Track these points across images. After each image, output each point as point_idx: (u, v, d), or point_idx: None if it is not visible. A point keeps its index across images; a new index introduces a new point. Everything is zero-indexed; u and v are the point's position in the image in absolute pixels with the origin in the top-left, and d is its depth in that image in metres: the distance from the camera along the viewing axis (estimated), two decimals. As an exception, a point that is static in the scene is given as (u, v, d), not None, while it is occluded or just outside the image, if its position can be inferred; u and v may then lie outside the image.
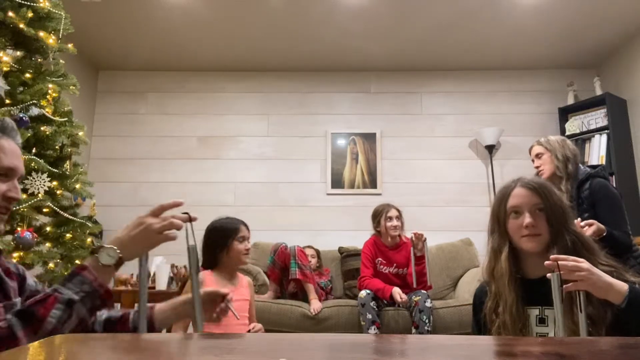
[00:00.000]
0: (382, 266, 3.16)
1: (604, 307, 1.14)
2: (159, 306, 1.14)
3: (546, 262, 1.12)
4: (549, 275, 1.10)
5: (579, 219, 2.08)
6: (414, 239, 2.96)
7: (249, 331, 2.10)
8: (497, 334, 1.29)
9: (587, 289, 1.10)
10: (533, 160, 2.41)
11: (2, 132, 0.99)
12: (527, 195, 1.29)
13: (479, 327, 1.41)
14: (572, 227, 1.30)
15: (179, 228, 1.00)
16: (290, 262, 3.16)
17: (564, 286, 1.10)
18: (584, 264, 1.10)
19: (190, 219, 1.01)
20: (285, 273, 3.21)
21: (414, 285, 2.97)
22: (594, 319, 1.14)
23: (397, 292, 2.93)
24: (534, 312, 1.28)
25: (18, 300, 1.05)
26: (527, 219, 1.26)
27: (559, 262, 1.10)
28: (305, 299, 3.17)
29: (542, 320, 1.27)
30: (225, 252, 2.05)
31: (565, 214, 1.30)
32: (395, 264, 3.15)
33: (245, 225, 2.14)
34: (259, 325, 2.15)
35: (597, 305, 1.14)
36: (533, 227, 1.26)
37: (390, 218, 3.14)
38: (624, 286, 1.11)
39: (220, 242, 2.06)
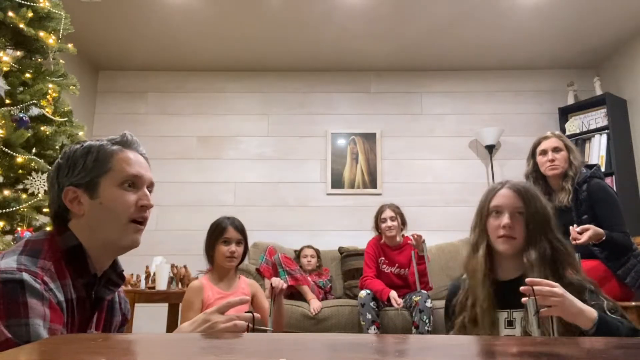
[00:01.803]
0: (384, 265, 3.17)
1: (572, 333, 1.16)
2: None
3: (522, 288, 1.12)
4: (524, 300, 1.11)
5: (575, 225, 2.06)
6: (413, 241, 2.97)
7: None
8: (462, 327, 1.30)
9: (559, 314, 1.12)
10: (545, 152, 2.30)
11: (123, 145, 1.03)
12: (511, 197, 1.31)
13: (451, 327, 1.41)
14: (553, 235, 1.30)
15: (242, 330, 1.01)
16: (279, 272, 3.16)
17: (539, 312, 1.11)
18: (557, 289, 1.11)
19: (254, 319, 1.02)
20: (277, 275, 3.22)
21: (417, 288, 2.98)
22: None
23: (393, 298, 2.93)
24: (503, 315, 1.29)
25: None
26: (505, 219, 1.29)
27: (535, 287, 1.10)
28: (303, 300, 3.17)
29: (510, 323, 1.28)
30: (214, 253, 2.04)
31: (546, 221, 1.31)
32: (397, 264, 3.16)
33: (236, 225, 2.06)
34: (278, 280, 1.92)
35: (568, 330, 1.16)
36: (509, 229, 1.28)
37: (385, 219, 3.14)
38: (593, 313, 1.13)
39: (209, 243, 2.05)
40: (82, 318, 0.94)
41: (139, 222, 1.00)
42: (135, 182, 1.00)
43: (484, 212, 1.35)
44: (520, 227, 1.29)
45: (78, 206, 0.97)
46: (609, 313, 1.17)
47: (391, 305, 2.96)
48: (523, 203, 1.30)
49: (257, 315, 1.03)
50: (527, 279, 1.13)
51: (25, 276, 0.81)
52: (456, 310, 1.34)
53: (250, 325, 1.02)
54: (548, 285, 1.11)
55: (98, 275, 0.98)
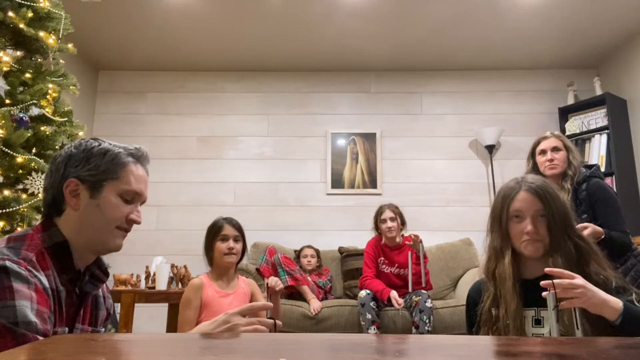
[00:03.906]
0: (384, 266, 3.17)
1: (603, 323, 1.13)
2: None
3: (542, 282, 1.11)
4: (544, 294, 1.10)
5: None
6: (411, 242, 2.98)
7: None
8: (494, 334, 1.29)
9: (582, 306, 1.10)
10: (544, 151, 2.31)
11: (137, 159, 1.07)
12: (531, 200, 1.29)
13: (472, 324, 1.41)
14: (574, 232, 1.29)
15: (262, 332, 1.02)
16: (279, 272, 3.16)
17: (560, 304, 1.10)
18: (578, 280, 1.10)
19: (275, 325, 1.02)
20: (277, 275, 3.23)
21: (410, 289, 2.99)
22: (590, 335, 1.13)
23: (394, 297, 2.93)
24: (530, 313, 1.28)
25: (102, 330, 1.09)
26: (528, 225, 1.26)
27: (554, 281, 1.09)
28: (303, 300, 3.17)
29: (537, 322, 1.27)
30: (213, 252, 2.06)
31: (567, 218, 1.30)
32: (396, 264, 3.16)
33: (233, 223, 2.09)
34: (275, 280, 2.01)
35: (595, 322, 1.14)
36: (534, 234, 1.26)
37: (385, 220, 3.14)
38: (618, 303, 1.10)
39: (208, 243, 2.08)
40: (69, 312, 0.96)
41: (123, 230, 1.04)
42: (133, 198, 1.05)
43: (504, 217, 1.31)
44: (544, 228, 1.27)
45: (75, 199, 0.99)
46: (638, 305, 1.14)
47: (391, 305, 2.96)
48: (543, 205, 1.28)
49: (279, 322, 1.03)
50: (546, 269, 1.11)
51: (8, 263, 0.83)
52: (482, 318, 1.33)
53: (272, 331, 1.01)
54: (568, 277, 1.10)
55: (81, 270, 1.01)
